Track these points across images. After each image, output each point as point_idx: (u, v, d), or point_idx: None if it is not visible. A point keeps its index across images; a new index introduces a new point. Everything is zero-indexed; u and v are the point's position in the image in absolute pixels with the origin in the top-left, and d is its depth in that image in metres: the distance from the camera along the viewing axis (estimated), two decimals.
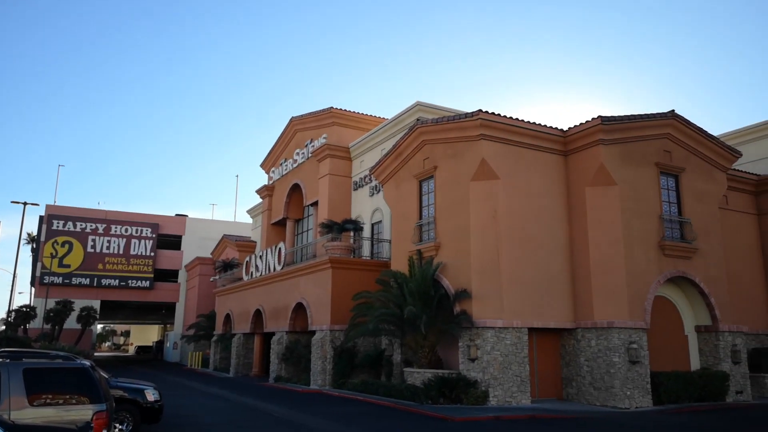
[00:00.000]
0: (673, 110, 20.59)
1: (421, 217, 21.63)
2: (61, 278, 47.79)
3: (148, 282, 51.11)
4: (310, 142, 33.44)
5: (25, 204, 42.26)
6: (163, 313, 62.92)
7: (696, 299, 20.84)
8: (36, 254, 49.93)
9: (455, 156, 20.29)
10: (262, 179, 57.07)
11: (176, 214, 56.21)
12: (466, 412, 16.16)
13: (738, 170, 24.38)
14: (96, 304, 47.93)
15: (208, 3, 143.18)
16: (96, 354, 54.48)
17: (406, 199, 22.49)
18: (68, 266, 48.44)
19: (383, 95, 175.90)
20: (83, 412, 7.76)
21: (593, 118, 19.58)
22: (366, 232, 28.49)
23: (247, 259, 33.35)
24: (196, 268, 49.80)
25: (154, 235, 51.90)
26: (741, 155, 22.82)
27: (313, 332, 25.22)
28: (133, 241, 51.01)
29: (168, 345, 57.97)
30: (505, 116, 19.66)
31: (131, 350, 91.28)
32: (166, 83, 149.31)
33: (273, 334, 29.23)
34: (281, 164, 37.44)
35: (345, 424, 14.35)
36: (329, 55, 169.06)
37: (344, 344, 23.24)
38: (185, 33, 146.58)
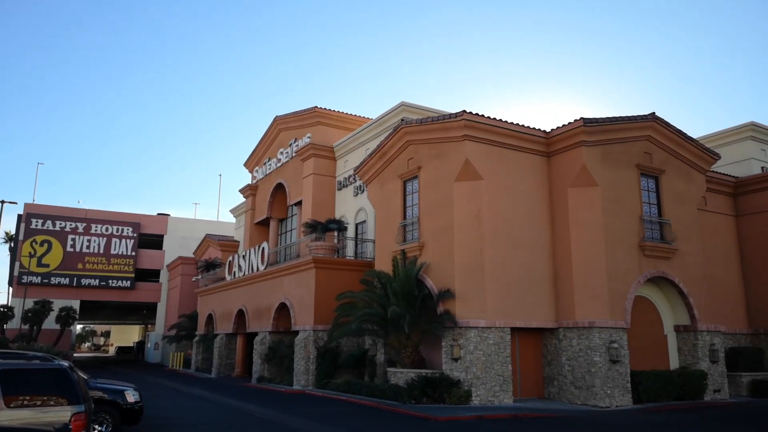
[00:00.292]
0: (653, 112, 20.87)
1: (405, 217, 21.67)
2: (39, 278, 47.05)
3: (128, 282, 50.54)
4: (294, 142, 33.32)
5: (2, 202, 41.46)
6: (144, 313, 62.25)
7: (675, 299, 21.15)
8: (14, 253, 49.05)
9: (439, 156, 20.36)
10: (246, 178, 56.84)
11: (158, 213, 55.65)
12: (449, 411, 16.22)
13: (716, 172, 24.78)
14: (75, 304, 47.24)
15: (194, 1, 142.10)
16: (75, 355, 53.69)
17: (391, 199, 22.51)
18: (47, 266, 47.72)
19: (368, 95, 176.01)
20: (61, 413, 7.66)
21: (575, 120, 19.78)
22: (350, 232, 28.47)
23: (230, 258, 33.14)
24: (178, 268, 49.36)
25: (135, 235, 51.34)
26: (719, 157, 23.21)
27: (297, 332, 25.13)
28: (113, 240, 50.41)
29: (149, 345, 57.37)
30: (488, 117, 19.77)
31: (111, 351, 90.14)
32: (149, 81, 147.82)
33: (256, 334, 29.07)
34: (265, 163, 37.25)
35: (328, 425, 14.32)
36: (314, 55, 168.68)
37: (328, 344, 23.19)
38: (170, 31, 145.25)
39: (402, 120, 23.34)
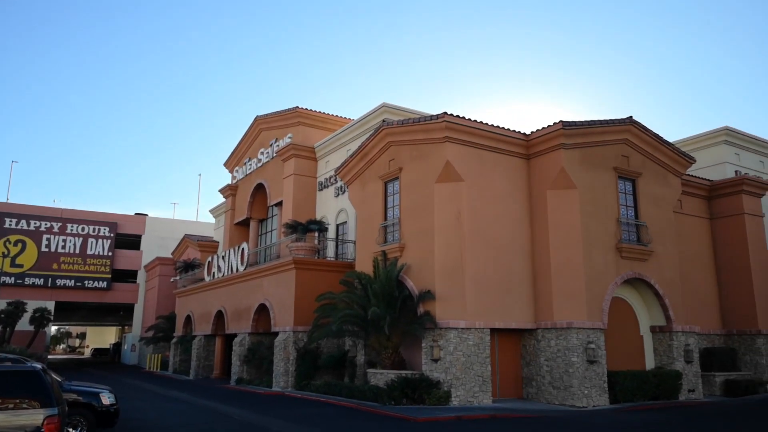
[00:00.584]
0: (631, 116, 21.20)
1: (386, 218, 21.69)
2: (13, 278, 46.09)
3: (105, 282, 49.79)
4: (275, 142, 33.16)
5: None
6: (120, 314, 61.41)
7: (651, 300, 21.48)
8: None
9: (420, 158, 20.42)
10: (226, 178, 56.41)
11: (136, 213, 54.96)
12: (428, 412, 16.27)
13: (692, 176, 25.24)
14: (50, 305, 46.31)
15: (175, 1, 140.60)
16: (50, 357, 52.66)
17: (371, 200, 22.51)
18: (21, 266, 46.80)
19: (349, 96, 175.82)
20: (34, 416, 7.50)
21: (554, 123, 20.00)
22: (331, 233, 28.41)
23: (209, 259, 32.84)
24: (156, 269, 48.78)
25: (112, 235, 50.61)
26: (695, 161, 23.65)
27: (276, 333, 24.99)
28: (90, 240, 49.63)
29: (126, 347, 56.58)
30: (469, 119, 19.89)
31: (87, 353, 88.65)
32: (127, 80, 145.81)
33: (235, 335, 28.84)
34: (245, 163, 37.00)
35: (307, 426, 14.25)
36: (295, 55, 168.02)
37: (307, 345, 23.10)
38: (150, 30, 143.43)
39: (383, 121, 23.36)
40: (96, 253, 49.62)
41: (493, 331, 19.53)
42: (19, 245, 47.01)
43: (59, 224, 48.67)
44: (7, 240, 46.55)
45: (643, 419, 16.23)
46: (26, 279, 46.76)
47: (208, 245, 43.21)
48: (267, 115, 34.26)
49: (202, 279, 34.20)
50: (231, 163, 39.23)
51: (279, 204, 32.51)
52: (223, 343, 31.83)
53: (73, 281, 48.49)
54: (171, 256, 48.57)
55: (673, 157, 22.58)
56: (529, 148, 21.08)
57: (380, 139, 21.87)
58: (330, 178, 29.43)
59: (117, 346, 64.24)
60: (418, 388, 17.80)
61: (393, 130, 21.24)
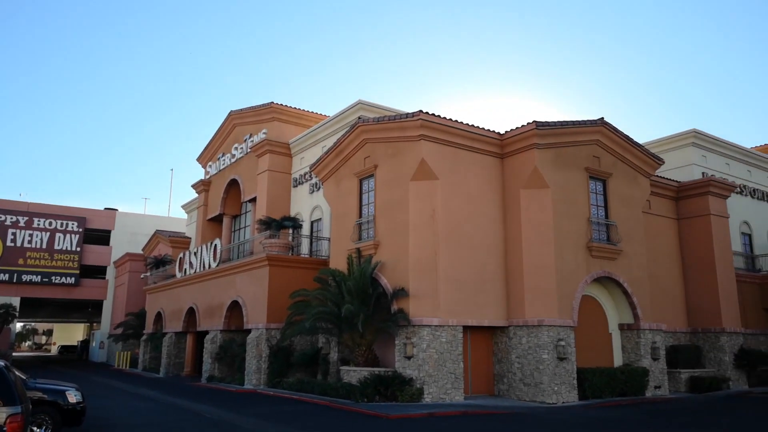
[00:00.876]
0: (602, 118, 21.56)
1: (360, 216, 21.67)
2: None
3: (73, 278, 48.72)
4: (249, 137, 32.84)
5: None
6: (89, 311, 60.23)
7: (620, 298, 21.91)
8: None
9: (395, 155, 20.45)
10: (199, 173, 55.66)
11: (105, 208, 53.91)
12: (400, 409, 16.33)
13: (660, 177, 25.79)
14: (15, 301, 45.32)
15: None
16: (15, 354, 51.32)
17: (346, 197, 22.47)
18: None
19: (325, 93, 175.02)
20: None
21: (528, 123, 20.23)
22: (305, 230, 28.27)
23: (181, 255, 32.39)
24: (126, 265, 47.95)
25: (80, 230, 49.52)
26: (663, 162, 24.18)
27: (249, 331, 24.79)
28: (57, 235, 48.49)
29: (94, 344, 55.52)
30: (444, 118, 19.99)
31: (54, 350, 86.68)
32: (97, 71, 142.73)
33: (206, 332, 28.52)
34: (219, 159, 36.57)
35: (279, 424, 14.18)
36: (270, 50, 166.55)
37: (280, 343, 22.97)
38: (123, 21, 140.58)
39: (359, 118, 23.32)
40: (64, 248, 48.53)
41: (466, 329, 19.69)
42: None
43: (25, 218, 47.43)
44: None
45: (610, 415, 16.56)
46: None
47: (180, 241, 42.62)
48: (241, 110, 33.91)
49: (174, 275, 33.73)
50: (204, 158, 38.74)
51: (253, 200, 32.23)
52: (194, 341, 31.45)
53: (39, 277, 47.34)
54: (141, 252, 47.77)
55: (643, 158, 23.04)
56: (503, 148, 21.29)
57: (356, 136, 21.83)
58: (305, 174, 29.28)
59: (85, 343, 63.01)
60: (391, 386, 17.85)
61: (368, 128, 21.23)
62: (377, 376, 18.06)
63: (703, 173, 28.33)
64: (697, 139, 28.69)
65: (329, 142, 26.57)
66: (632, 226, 22.33)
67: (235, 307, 26.43)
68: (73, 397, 11.88)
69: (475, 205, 20.50)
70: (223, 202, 35.47)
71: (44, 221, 48.17)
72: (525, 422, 15.13)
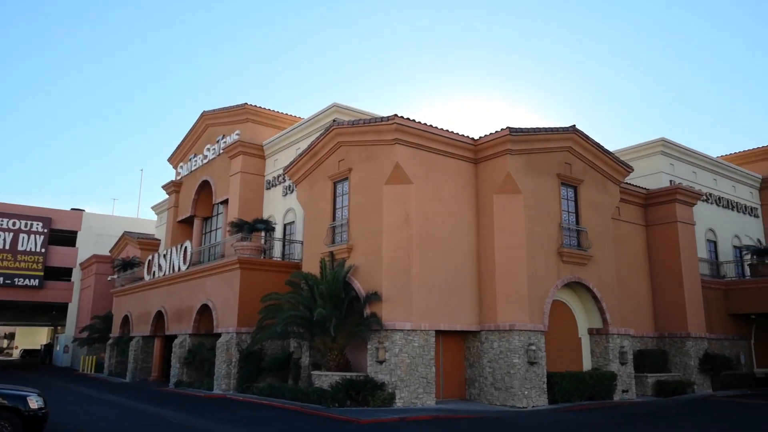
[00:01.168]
0: (574, 125, 21.89)
1: (334, 219, 21.56)
2: None
3: (37, 280, 47.34)
4: (222, 138, 32.43)
5: None
6: (53, 314, 58.55)
7: (589, 304, 22.22)
8: None
9: (370, 159, 20.41)
10: (169, 174, 54.59)
11: (72, 209, 52.59)
12: (372, 414, 16.25)
13: (630, 184, 26.29)
14: None
15: None
16: None
17: (320, 201, 22.34)
18: None
19: (299, 95, 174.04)
20: None
21: (502, 129, 20.42)
22: (278, 233, 28.00)
23: (150, 257, 31.77)
24: (93, 267, 46.82)
25: (45, 230, 48.20)
26: (633, 170, 24.64)
27: (219, 335, 24.41)
28: (21, 235, 47.09)
29: (58, 348, 54.02)
30: (419, 122, 20.05)
31: (16, 354, 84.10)
32: (65, 69, 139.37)
33: (175, 336, 27.99)
34: (190, 159, 36.01)
35: (249, 429, 13.96)
36: (244, 51, 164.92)
37: (251, 347, 22.65)
38: (92, 18, 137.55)
39: (334, 121, 23.24)
40: (28, 249, 47.15)
41: (438, 333, 19.72)
42: None
43: None
44: None
45: (579, 419, 16.75)
46: None
47: (148, 243, 41.81)
48: (214, 110, 33.48)
49: (142, 278, 33.07)
50: (175, 159, 38.12)
51: (225, 202, 31.81)
52: (162, 345, 30.84)
53: (1, 278, 45.88)
54: (109, 254, 46.72)
55: (613, 165, 23.45)
56: (477, 153, 21.44)
57: (330, 139, 21.73)
58: (278, 176, 29.03)
59: (49, 347, 61.31)
60: (363, 390, 17.76)
61: (343, 131, 21.16)
62: (349, 381, 17.94)
63: (670, 181, 28.96)
64: (666, 148, 29.33)
65: (303, 145, 26.41)
66: (602, 232, 22.69)
67: (205, 311, 26.01)
68: (34, 402, 11.50)
69: (449, 210, 20.57)
70: (194, 203, 34.93)
71: (7, 221, 46.76)
72: (495, 426, 15.19)
